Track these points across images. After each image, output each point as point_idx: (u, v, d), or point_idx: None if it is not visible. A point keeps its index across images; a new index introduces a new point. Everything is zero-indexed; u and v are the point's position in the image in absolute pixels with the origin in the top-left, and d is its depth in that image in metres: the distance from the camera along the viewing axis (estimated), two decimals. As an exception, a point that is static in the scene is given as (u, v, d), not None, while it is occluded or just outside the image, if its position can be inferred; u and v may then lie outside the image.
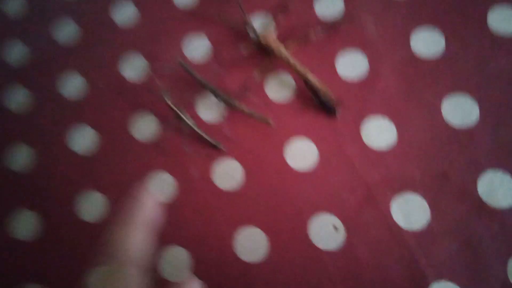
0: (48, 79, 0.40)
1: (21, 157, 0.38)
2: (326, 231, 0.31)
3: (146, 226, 0.23)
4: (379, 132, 0.33)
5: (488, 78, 0.33)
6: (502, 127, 0.32)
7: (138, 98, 0.37)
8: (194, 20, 0.40)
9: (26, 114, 0.39)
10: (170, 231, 0.32)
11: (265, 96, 0.36)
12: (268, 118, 0.33)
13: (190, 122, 0.35)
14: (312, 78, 0.34)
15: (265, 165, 0.34)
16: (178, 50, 0.39)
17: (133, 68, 0.39)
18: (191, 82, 0.36)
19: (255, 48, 0.37)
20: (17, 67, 0.41)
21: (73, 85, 0.39)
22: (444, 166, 0.31)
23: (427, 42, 0.35)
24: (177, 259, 0.32)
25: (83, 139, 0.37)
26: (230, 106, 0.35)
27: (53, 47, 0.41)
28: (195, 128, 0.35)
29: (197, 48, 0.38)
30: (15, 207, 0.36)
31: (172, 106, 0.35)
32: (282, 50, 0.35)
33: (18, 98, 0.40)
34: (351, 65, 0.35)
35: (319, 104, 0.34)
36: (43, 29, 0.42)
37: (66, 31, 0.42)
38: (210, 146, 0.35)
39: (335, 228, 0.31)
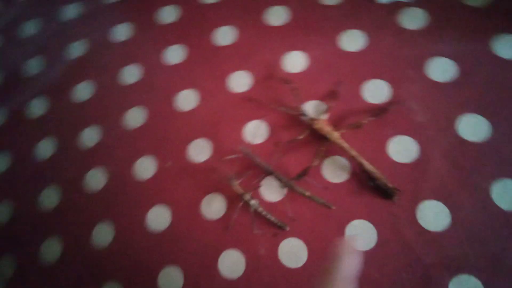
0: (124, 163, 0.46)
1: (103, 235, 0.43)
2: (388, 311, 0.34)
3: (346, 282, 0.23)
4: (434, 215, 0.36)
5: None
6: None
7: (208, 181, 0.42)
8: (252, 106, 0.44)
9: (107, 196, 0.45)
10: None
11: (323, 179, 0.39)
12: (329, 202, 0.37)
13: (255, 204, 0.39)
14: (366, 162, 0.37)
15: (327, 245, 0.37)
16: (240, 135, 0.43)
17: (200, 151, 0.44)
18: (255, 166, 0.41)
19: (310, 133, 0.41)
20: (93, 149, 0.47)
21: (144, 167, 0.45)
22: (497, 248, 0.34)
23: (472, 126, 0.38)
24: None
25: (158, 218, 0.42)
26: (291, 189, 0.39)
27: (123, 133, 0.47)
28: (260, 210, 0.39)
29: (257, 133, 0.42)
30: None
31: (238, 189, 0.39)
32: (334, 134, 0.39)
33: (98, 178, 0.45)
34: (402, 149, 0.39)
35: (375, 188, 0.37)
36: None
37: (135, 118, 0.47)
38: (276, 227, 0.38)
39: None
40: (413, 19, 0.45)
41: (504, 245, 0.34)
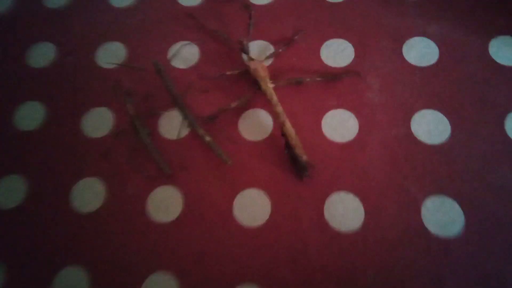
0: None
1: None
2: None
3: None
4: (343, 210, 0.28)
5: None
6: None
7: (100, 88, 0.34)
8: (190, 23, 0.36)
9: None
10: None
11: (236, 132, 0.31)
12: (229, 158, 0.29)
13: (145, 134, 0.31)
14: (289, 125, 0.29)
15: (208, 207, 0.29)
16: (164, 53, 0.35)
17: (110, 55, 0.35)
18: (161, 91, 0.32)
19: (242, 73, 0.33)
20: None
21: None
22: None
23: (430, 126, 0.30)
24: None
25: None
26: (193, 128, 0.31)
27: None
28: (148, 144, 0.31)
29: (181, 55, 0.34)
30: None
31: (130, 110, 0.31)
32: (268, 83, 0.31)
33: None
34: (340, 126, 0.31)
35: (290, 159, 0.30)
36: None
37: None
38: (157, 167, 0.30)
39: None
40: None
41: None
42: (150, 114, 0.32)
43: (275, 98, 0.30)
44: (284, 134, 0.29)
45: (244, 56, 0.34)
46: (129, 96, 0.31)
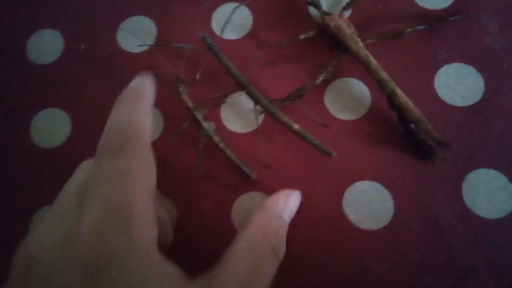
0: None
1: None
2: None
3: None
4: (487, 191, 0.22)
5: None
6: None
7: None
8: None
9: None
10: None
11: (324, 110, 0.24)
12: (328, 147, 0.22)
13: (211, 129, 0.23)
14: (404, 97, 0.22)
15: (313, 215, 0.23)
16: (206, 23, 0.27)
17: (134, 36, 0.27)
18: (218, 72, 0.25)
19: (317, 34, 0.26)
20: None
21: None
22: None
23: None
24: None
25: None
26: (272, 116, 0.24)
27: None
28: (217, 140, 0.23)
29: (230, 22, 0.26)
30: None
31: (187, 100, 0.23)
32: (357, 41, 0.24)
33: None
34: (459, 84, 0.24)
35: (406, 137, 0.23)
36: None
37: None
38: (238, 171, 0.24)
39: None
40: None
41: None
42: (213, 105, 0.24)
43: (373, 60, 0.23)
44: (397, 107, 0.22)
45: (313, 11, 0.26)
46: (182, 83, 0.23)
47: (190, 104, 0.23)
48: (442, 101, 0.24)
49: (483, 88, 0.24)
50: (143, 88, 0.19)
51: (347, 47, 0.24)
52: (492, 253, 0.21)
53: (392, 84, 0.22)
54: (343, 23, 0.24)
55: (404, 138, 0.23)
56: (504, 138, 0.23)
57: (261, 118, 0.24)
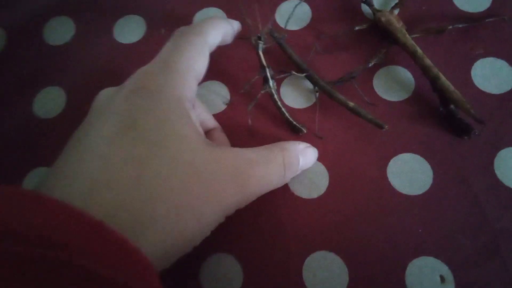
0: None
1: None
2: (429, 281, 0.24)
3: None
4: None
5: None
6: None
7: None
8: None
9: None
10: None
11: (373, 92, 0.28)
12: (383, 122, 0.26)
13: (274, 89, 0.27)
14: (446, 81, 0.26)
15: (359, 179, 0.26)
16: (270, 16, 0.31)
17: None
18: (281, 61, 0.29)
19: (368, 27, 0.30)
20: None
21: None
22: None
23: None
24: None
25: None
26: (329, 95, 0.27)
27: None
28: (278, 100, 0.27)
29: (293, 15, 0.30)
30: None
31: (263, 59, 0.26)
32: (407, 35, 0.28)
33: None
34: (493, 75, 0.27)
35: (445, 116, 0.26)
36: None
37: None
38: (290, 127, 0.28)
39: (442, 279, 0.24)
40: None
41: None
42: (279, 73, 0.28)
43: (419, 49, 0.27)
44: (439, 89, 0.26)
45: (365, 9, 0.30)
46: (262, 40, 0.27)
47: (263, 60, 0.26)
48: (478, 89, 0.27)
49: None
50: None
51: (395, 39, 0.28)
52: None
53: (436, 69, 0.26)
54: (393, 18, 0.28)
55: (444, 118, 0.26)
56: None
57: (314, 97, 0.28)
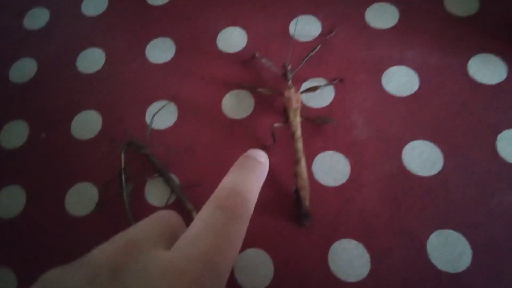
0: None
1: None
2: None
3: None
4: (347, 258, 0.27)
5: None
6: None
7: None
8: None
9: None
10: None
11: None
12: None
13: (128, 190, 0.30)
14: (303, 168, 0.28)
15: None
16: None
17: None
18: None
19: (273, 93, 0.33)
20: None
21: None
22: None
23: (423, 158, 0.29)
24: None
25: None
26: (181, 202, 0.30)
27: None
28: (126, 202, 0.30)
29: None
30: None
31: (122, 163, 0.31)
32: (297, 117, 0.30)
33: None
34: (331, 169, 0.30)
35: (295, 203, 0.29)
36: None
37: None
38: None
39: None
40: (382, 17, 0.35)
41: None
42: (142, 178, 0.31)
43: (299, 132, 0.30)
44: (296, 174, 0.28)
45: (288, 77, 0.33)
46: (129, 146, 0.31)
47: (123, 164, 0.31)
48: (317, 182, 0.30)
49: (349, 172, 0.30)
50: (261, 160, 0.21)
51: (287, 115, 0.30)
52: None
53: (301, 154, 0.29)
54: (294, 97, 0.31)
55: (293, 197, 0.29)
56: (362, 213, 0.28)
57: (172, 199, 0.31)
